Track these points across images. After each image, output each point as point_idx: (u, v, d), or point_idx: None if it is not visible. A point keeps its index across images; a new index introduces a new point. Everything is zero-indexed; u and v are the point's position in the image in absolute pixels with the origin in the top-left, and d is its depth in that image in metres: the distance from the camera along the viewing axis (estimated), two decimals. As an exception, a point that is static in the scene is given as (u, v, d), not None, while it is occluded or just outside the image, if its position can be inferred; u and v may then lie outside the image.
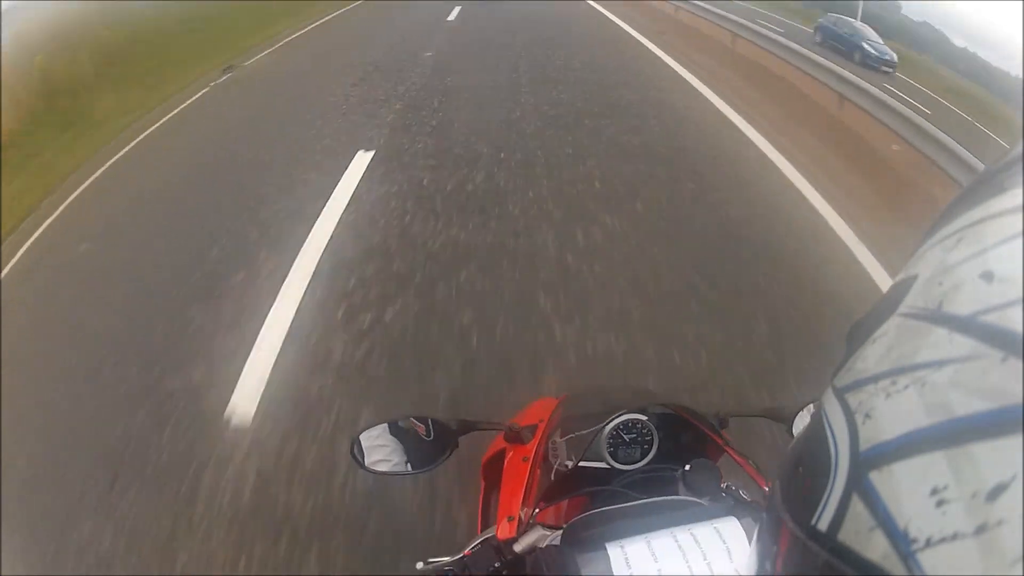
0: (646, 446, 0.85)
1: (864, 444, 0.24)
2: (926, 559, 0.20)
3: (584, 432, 0.87)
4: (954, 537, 0.19)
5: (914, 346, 0.24)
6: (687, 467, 0.75)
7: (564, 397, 1.03)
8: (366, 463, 0.84)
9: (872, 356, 0.26)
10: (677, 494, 0.76)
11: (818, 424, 0.28)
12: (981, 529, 0.19)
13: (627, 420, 0.85)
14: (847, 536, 0.23)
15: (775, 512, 0.29)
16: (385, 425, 0.86)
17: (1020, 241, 0.22)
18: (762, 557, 0.32)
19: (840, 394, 0.27)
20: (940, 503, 0.20)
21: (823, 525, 0.25)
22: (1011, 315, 0.21)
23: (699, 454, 0.82)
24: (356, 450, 0.85)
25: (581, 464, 0.86)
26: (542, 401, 1.04)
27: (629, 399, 0.90)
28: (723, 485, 0.73)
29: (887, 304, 0.27)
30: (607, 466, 0.85)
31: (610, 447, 0.85)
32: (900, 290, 0.27)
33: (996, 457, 0.19)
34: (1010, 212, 0.23)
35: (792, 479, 0.30)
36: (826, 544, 0.24)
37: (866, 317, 0.29)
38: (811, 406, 0.85)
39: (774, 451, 1.72)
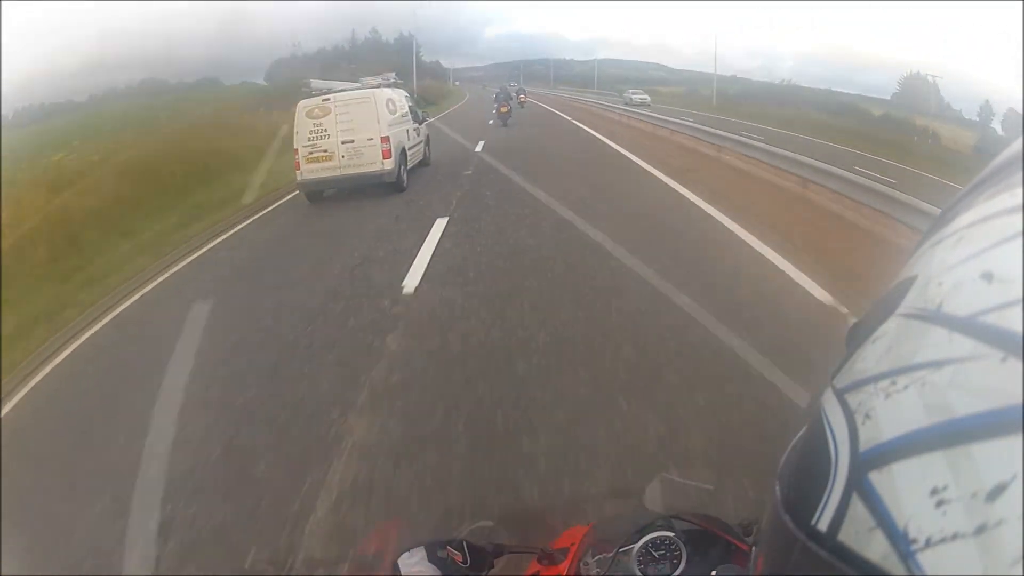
0: (675, 560, 0.89)
1: (864, 444, 0.24)
2: (926, 559, 0.20)
3: (615, 552, 0.91)
4: (954, 537, 0.19)
5: (914, 346, 0.24)
6: (713, 573, 0.80)
7: (594, 523, 1.08)
8: None
9: (872, 356, 0.26)
10: None
11: (818, 424, 0.28)
12: (981, 529, 0.19)
13: (655, 537, 0.90)
14: (847, 536, 0.23)
15: (775, 513, 0.29)
16: (422, 549, 0.92)
17: (1020, 241, 0.22)
18: (763, 558, 0.32)
19: (840, 394, 0.27)
20: (940, 503, 0.20)
21: (823, 525, 0.25)
22: (1011, 315, 0.21)
23: (727, 562, 0.87)
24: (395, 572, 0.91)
25: None
26: (573, 528, 1.10)
27: (657, 517, 0.95)
28: None
29: (887, 304, 0.27)
30: None
31: (641, 564, 0.89)
32: (900, 290, 0.27)
33: (996, 457, 0.19)
34: (1010, 212, 0.23)
35: (792, 479, 0.30)
36: (826, 544, 0.24)
37: (866, 317, 0.29)
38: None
39: None
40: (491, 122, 16.89)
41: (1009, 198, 0.24)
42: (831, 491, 0.25)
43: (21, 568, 2.20)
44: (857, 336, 0.28)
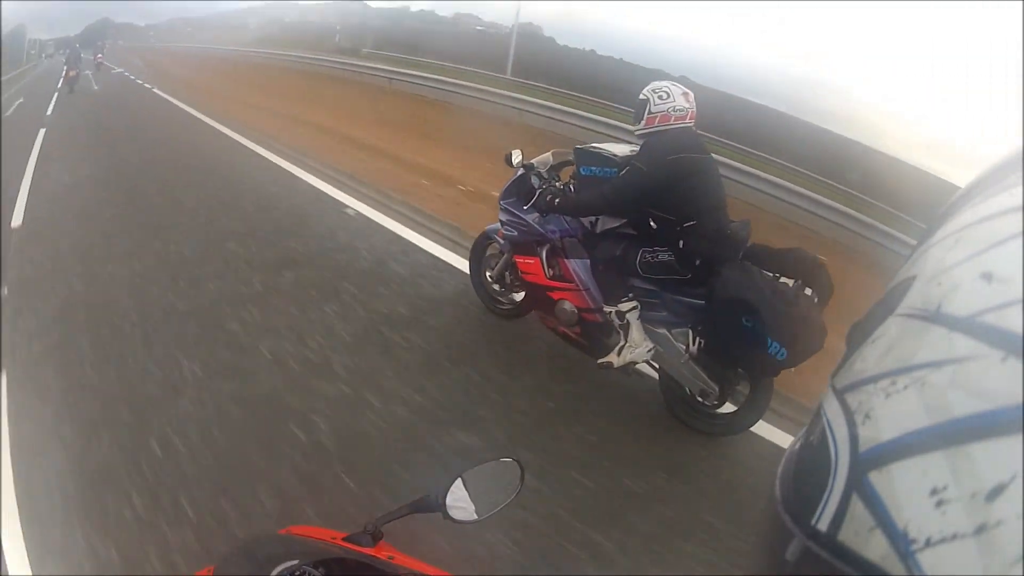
0: None
1: (864, 444, 0.24)
2: (926, 559, 0.20)
3: None
4: (954, 537, 0.19)
5: (913, 346, 0.24)
6: None
7: (215, 566, 1.00)
8: None
9: (871, 356, 0.26)
10: None
11: (818, 424, 0.28)
12: (980, 529, 0.19)
13: (284, 569, 0.86)
14: (847, 536, 0.23)
15: (775, 512, 0.29)
16: None
17: (1019, 241, 0.22)
18: (762, 557, 0.32)
19: (840, 394, 0.27)
20: (940, 503, 0.20)
21: (823, 525, 0.25)
22: (1010, 315, 0.21)
23: (373, 572, 0.87)
24: None
25: None
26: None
27: (273, 549, 0.93)
28: None
29: (886, 304, 0.27)
30: None
31: None
32: (899, 290, 0.27)
33: (995, 457, 0.19)
34: (1009, 212, 0.23)
35: (792, 479, 0.30)
36: (826, 544, 0.24)
37: (865, 317, 0.29)
38: (454, 484, 0.93)
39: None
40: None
41: (1008, 198, 0.24)
42: (831, 491, 0.25)
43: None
44: (856, 336, 0.28)
